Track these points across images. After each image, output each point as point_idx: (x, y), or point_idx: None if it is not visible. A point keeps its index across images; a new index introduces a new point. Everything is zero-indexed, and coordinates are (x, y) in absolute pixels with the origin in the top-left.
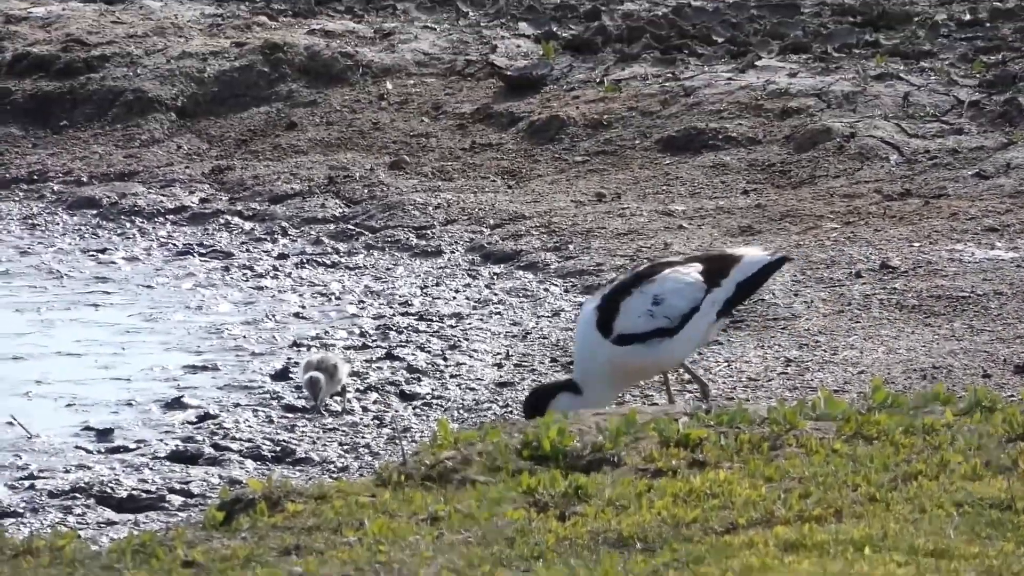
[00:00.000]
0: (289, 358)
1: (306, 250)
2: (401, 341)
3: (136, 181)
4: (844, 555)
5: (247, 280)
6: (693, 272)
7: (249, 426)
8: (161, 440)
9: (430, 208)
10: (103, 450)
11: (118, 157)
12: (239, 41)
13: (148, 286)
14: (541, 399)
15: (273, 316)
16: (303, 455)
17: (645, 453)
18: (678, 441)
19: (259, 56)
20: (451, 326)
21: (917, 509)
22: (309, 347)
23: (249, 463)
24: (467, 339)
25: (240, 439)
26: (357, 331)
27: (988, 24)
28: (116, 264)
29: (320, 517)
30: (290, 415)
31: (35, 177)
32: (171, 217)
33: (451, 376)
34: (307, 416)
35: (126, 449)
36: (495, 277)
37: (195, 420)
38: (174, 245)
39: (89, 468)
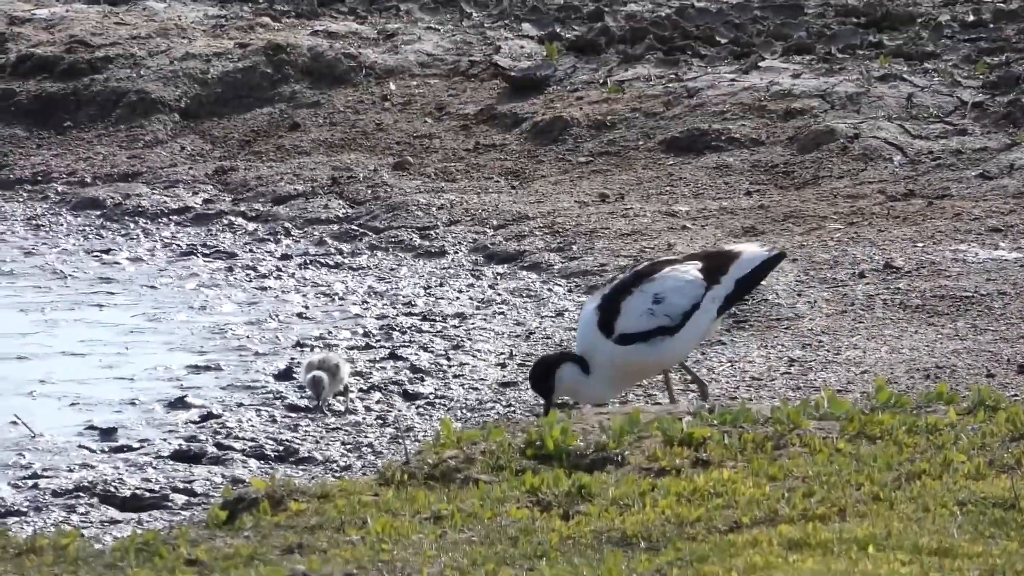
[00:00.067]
0: (292, 358)
1: (309, 251)
2: (404, 341)
3: (140, 182)
4: (848, 554)
5: (250, 280)
6: (693, 270)
7: (252, 425)
8: (164, 439)
9: (433, 209)
10: (107, 449)
11: (122, 158)
12: (242, 42)
13: (152, 286)
14: (547, 369)
15: (276, 316)
16: (306, 454)
17: (649, 452)
18: (682, 440)
19: (262, 57)
20: (454, 326)
21: (921, 508)
22: (312, 347)
23: (252, 462)
24: (470, 339)
25: (243, 438)
26: (360, 331)
27: (992, 25)
28: (120, 264)
29: (323, 516)
30: (293, 415)
31: (39, 178)
32: (175, 218)
33: (454, 376)
34: (310, 416)
35: (130, 448)
36: (498, 277)
37: (198, 419)
38: (178, 246)
39: (93, 467)
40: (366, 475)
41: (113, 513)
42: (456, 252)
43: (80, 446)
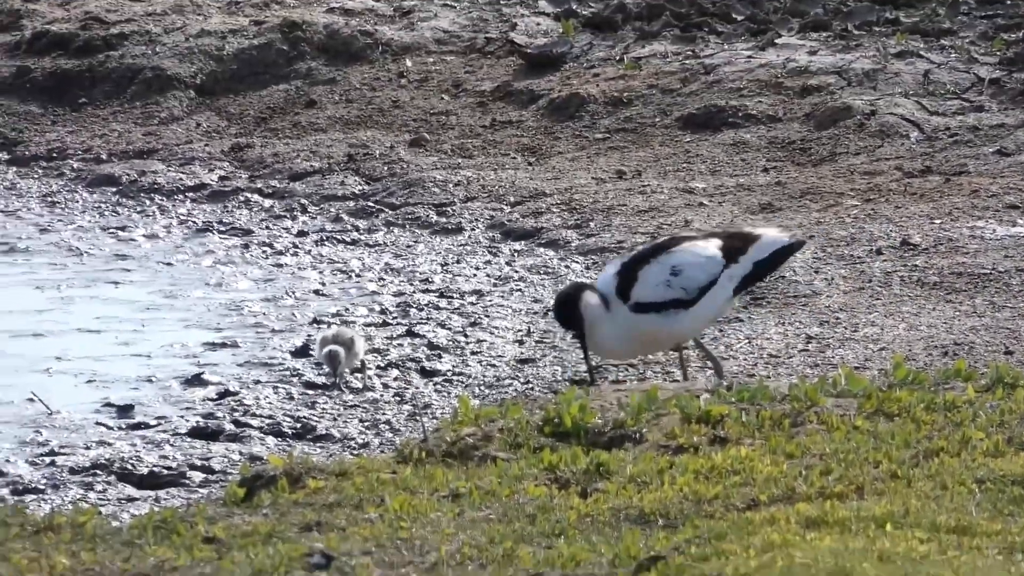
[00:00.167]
0: (309, 335)
1: (326, 227)
2: (421, 318)
3: (155, 159)
4: (866, 532)
5: (267, 257)
6: (712, 247)
7: (269, 403)
8: (182, 416)
9: (450, 185)
10: (123, 426)
11: (137, 135)
12: (258, 19)
13: (168, 263)
14: (571, 298)
15: (293, 293)
16: (324, 432)
17: (667, 430)
18: (699, 418)
19: (278, 34)
20: (472, 303)
21: (939, 486)
22: (329, 324)
23: (270, 439)
24: (488, 316)
25: (260, 416)
26: (377, 308)
27: (1008, 2)
28: (136, 241)
29: (341, 494)
30: (310, 392)
31: (54, 155)
32: (191, 195)
33: (472, 353)
34: (327, 393)
35: (146, 425)
36: (515, 254)
37: (215, 397)
38: (194, 222)
39: (110, 444)
40: (384, 453)
41: (130, 491)
42: (473, 229)
43: (97, 423)
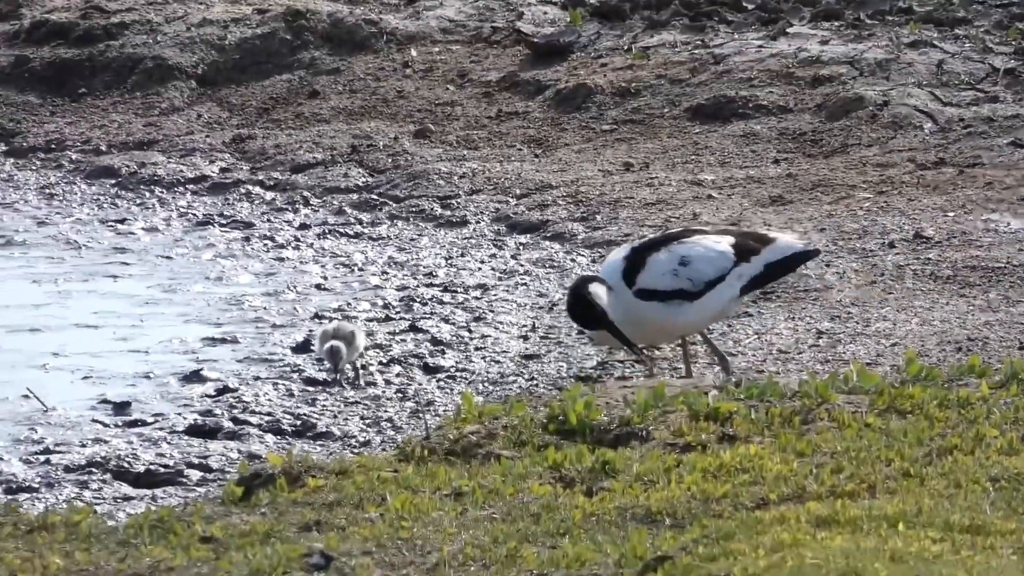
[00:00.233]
0: (311, 330)
1: (328, 220)
2: (425, 313)
3: (155, 150)
4: (878, 531)
5: (268, 251)
6: (725, 243)
7: (269, 399)
8: (179, 414)
9: (455, 177)
10: (120, 424)
11: (137, 126)
12: (261, 8)
13: (167, 257)
14: (580, 291)
15: (294, 287)
16: (324, 429)
17: (674, 427)
18: (707, 415)
19: (281, 23)
20: (476, 297)
21: (952, 484)
22: (331, 319)
23: (269, 437)
24: (492, 311)
25: (260, 413)
26: (380, 303)
27: None
28: (135, 234)
29: (341, 492)
30: (311, 388)
31: (53, 146)
32: (191, 187)
33: (476, 348)
34: (328, 389)
35: (143, 423)
36: (521, 247)
37: (214, 393)
38: (194, 215)
39: (106, 442)
40: (385, 451)
41: (126, 489)
42: (478, 222)
43: (93, 420)
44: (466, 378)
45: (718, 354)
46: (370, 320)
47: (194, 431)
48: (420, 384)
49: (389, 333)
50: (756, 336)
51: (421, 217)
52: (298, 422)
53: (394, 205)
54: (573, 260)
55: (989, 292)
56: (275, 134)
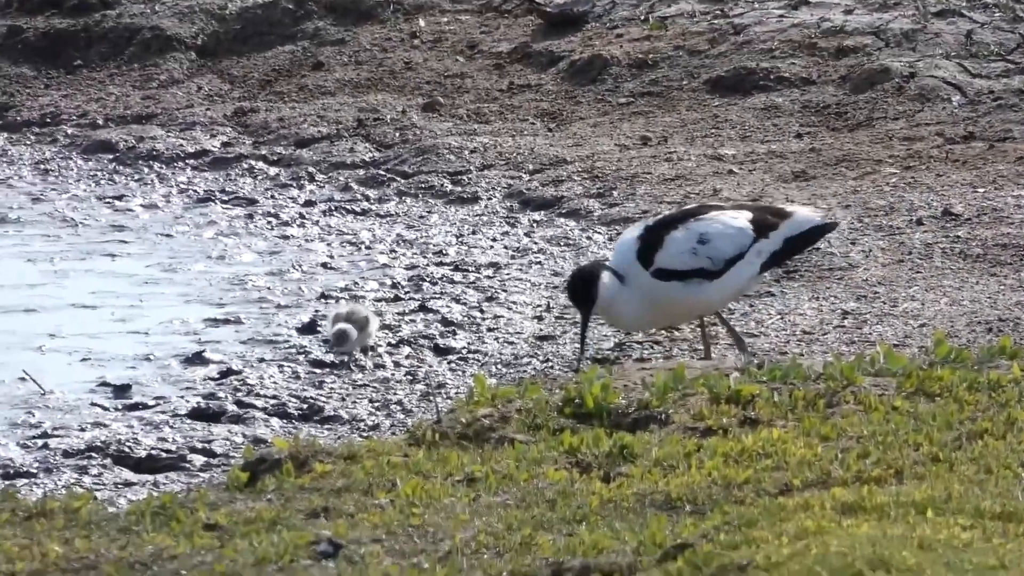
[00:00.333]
0: (317, 310)
1: (334, 197)
2: (435, 293)
3: (154, 124)
4: (905, 518)
5: (272, 228)
6: (743, 219)
7: (274, 382)
8: (181, 397)
9: (466, 152)
10: (120, 407)
11: (135, 99)
12: None
13: (167, 235)
14: (588, 280)
15: (299, 266)
16: (331, 413)
17: (694, 410)
18: (729, 398)
19: None
20: (488, 277)
21: (983, 469)
22: (338, 299)
23: (274, 421)
24: (505, 290)
25: (265, 396)
26: (389, 282)
27: None
28: (133, 211)
29: (350, 478)
30: (318, 370)
31: (48, 120)
32: (191, 162)
33: (488, 329)
34: (336, 372)
35: (144, 406)
36: (535, 225)
37: (217, 376)
38: (195, 191)
39: (106, 426)
40: (395, 435)
41: (127, 475)
42: (490, 198)
43: (92, 404)
44: (478, 360)
45: (733, 334)
46: (378, 300)
47: (197, 415)
48: (431, 366)
49: (398, 313)
50: (779, 316)
51: (430, 193)
52: (304, 405)
53: (402, 181)
54: (589, 238)
55: (1021, 271)
56: (278, 107)
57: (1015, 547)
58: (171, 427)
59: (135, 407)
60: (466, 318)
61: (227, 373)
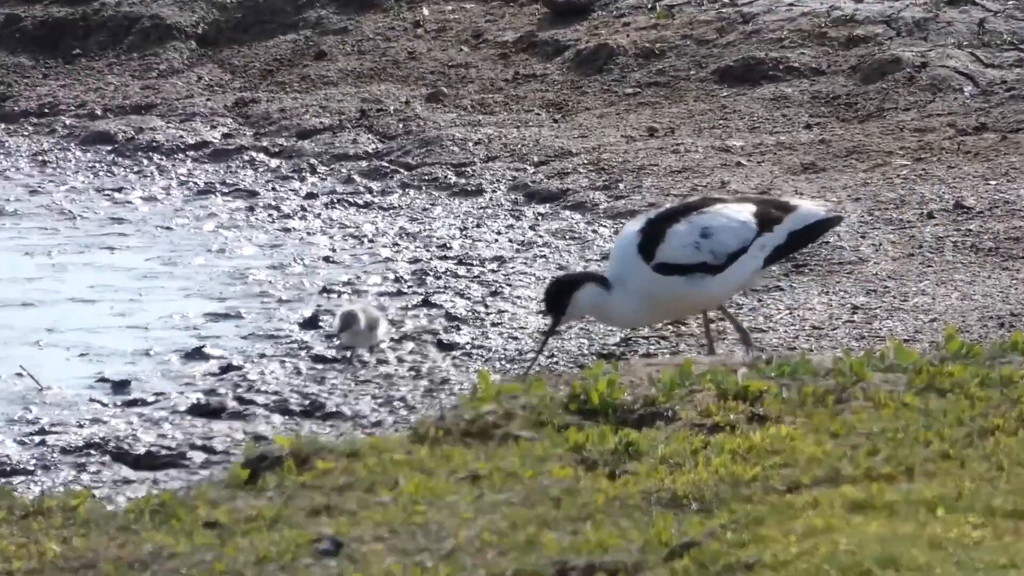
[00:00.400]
0: (319, 305)
1: (336, 189)
2: (439, 287)
3: (154, 114)
4: (915, 516)
5: (273, 221)
6: (746, 212)
7: (276, 378)
8: (181, 393)
9: (470, 144)
10: (119, 403)
11: (134, 89)
12: None
13: (167, 228)
14: (563, 289)
15: (301, 260)
16: (334, 409)
17: (701, 407)
18: (737, 394)
19: None
20: (492, 270)
21: (994, 467)
22: (340, 293)
23: (276, 417)
24: (510, 284)
25: (266, 392)
26: (392, 276)
27: None
28: (133, 204)
29: (352, 475)
30: (320, 366)
31: (46, 110)
32: (191, 153)
33: (492, 324)
34: (337, 367)
35: (144, 402)
36: (540, 218)
37: (218, 371)
38: (195, 183)
39: (104, 422)
40: (398, 431)
41: (126, 472)
42: (494, 190)
43: (91, 400)
44: (482, 355)
45: (737, 325)
46: (381, 295)
47: (197, 411)
48: (434, 362)
49: (401, 308)
50: (788, 311)
51: (434, 185)
52: (306, 401)
53: (406, 173)
54: (595, 231)
55: None
56: (280, 97)
57: None
58: (171, 423)
59: (134, 403)
60: (470, 313)
61: (228, 369)
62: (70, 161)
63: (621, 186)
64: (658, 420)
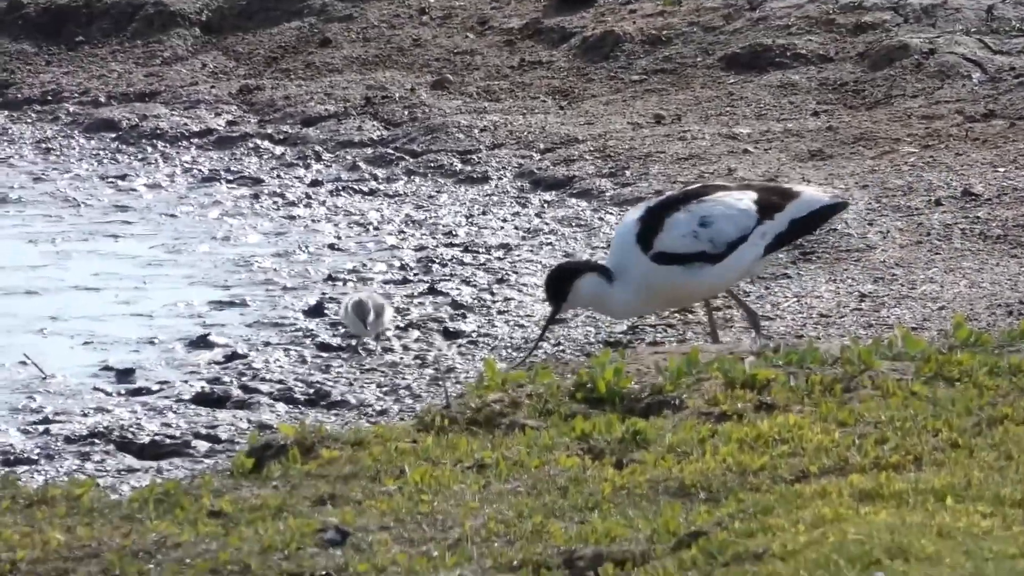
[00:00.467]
0: (323, 293)
1: (341, 176)
2: (445, 274)
3: (158, 102)
4: (924, 505)
5: (278, 209)
6: (747, 200)
7: (280, 366)
8: (185, 381)
9: (475, 131)
10: (123, 392)
11: (138, 76)
12: None
13: (171, 215)
14: (565, 276)
15: (306, 248)
16: (338, 398)
17: (709, 395)
18: (744, 382)
19: None
20: (499, 258)
21: (1003, 456)
22: (345, 281)
23: (280, 406)
24: (516, 272)
25: (271, 380)
26: (397, 264)
27: None
28: (137, 191)
29: (357, 464)
30: (324, 354)
31: (49, 97)
32: (196, 141)
33: (499, 312)
34: (343, 356)
35: (148, 391)
36: (546, 205)
37: (222, 360)
38: (199, 171)
39: (108, 411)
40: (404, 420)
41: (130, 461)
42: (500, 178)
43: (95, 388)
44: (488, 343)
45: (745, 308)
46: (386, 282)
47: (201, 400)
48: (440, 350)
49: (407, 296)
50: (796, 299)
51: (440, 173)
52: (311, 390)
53: (411, 160)
54: (601, 218)
55: None
56: (284, 85)
57: None
58: (175, 412)
59: (138, 392)
60: (476, 300)
61: (232, 357)
62: (74, 148)
63: (628, 173)
64: (665, 409)
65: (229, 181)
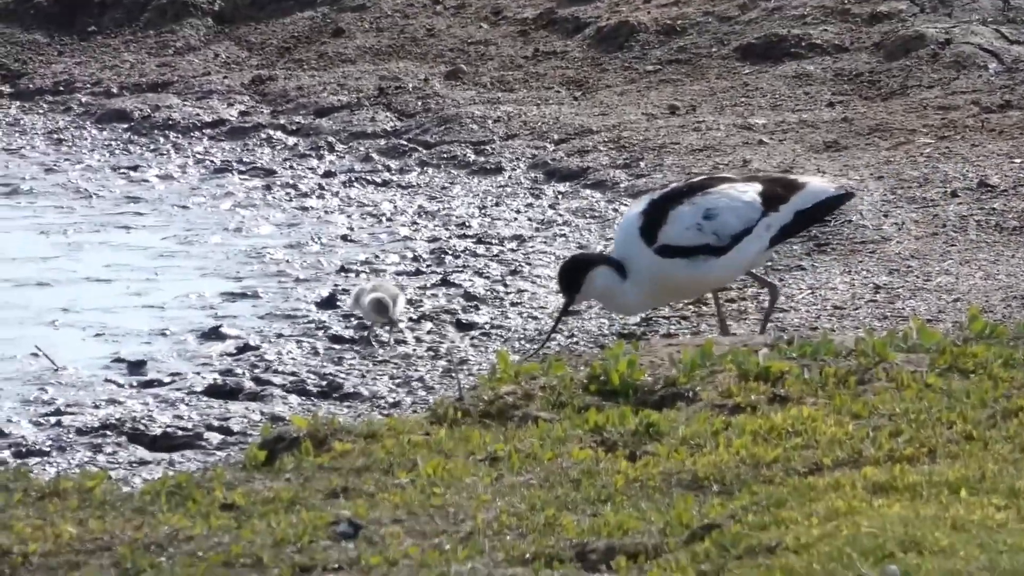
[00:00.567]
0: (336, 284)
1: (354, 167)
2: (458, 266)
3: (170, 92)
4: (938, 498)
5: (290, 200)
6: (751, 191)
7: (293, 358)
8: (198, 373)
9: (489, 121)
10: (135, 384)
11: (151, 66)
12: None
13: (183, 206)
14: (581, 267)
15: (319, 239)
16: (351, 390)
17: (722, 388)
18: (758, 375)
19: None
20: (512, 249)
21: (1018, 448)
22: (358, 272)
23: (293, 398)
24: (529, 263)
25: (283, 372)
26: (410, 255)
27: None
28: (149, 182)
29: (370, 457)
30: (337, 346)
31: (61, 88)
32: (208, 131)
33: (512, 304)
34: (355, 347)
35: (160, 383)
36: (560, 196)
37: (234, 351)
38: (211, 162)
39: (120, 403)
40: (416, 412)
41: (142, 453)
42: (514, 169)
43: (106, 380)
44: (501, 335)
45: (765, 282)
46: (400, 274)
47: (213, 392)
48: (453, 342)
49: (420, 288)
50: (810, 291)
51: (453, 164)
52: (324, 382)
53: (424, 151)
54: (615, 209)
55: None
56: (297, 75)
57: None
58: (187, 404)
59: (150, 384)
60: (489, 292)
61: (244, 349)
62: (86, 139)
63: (642, 164)
64: (679, 401)
65: (241, 172)
